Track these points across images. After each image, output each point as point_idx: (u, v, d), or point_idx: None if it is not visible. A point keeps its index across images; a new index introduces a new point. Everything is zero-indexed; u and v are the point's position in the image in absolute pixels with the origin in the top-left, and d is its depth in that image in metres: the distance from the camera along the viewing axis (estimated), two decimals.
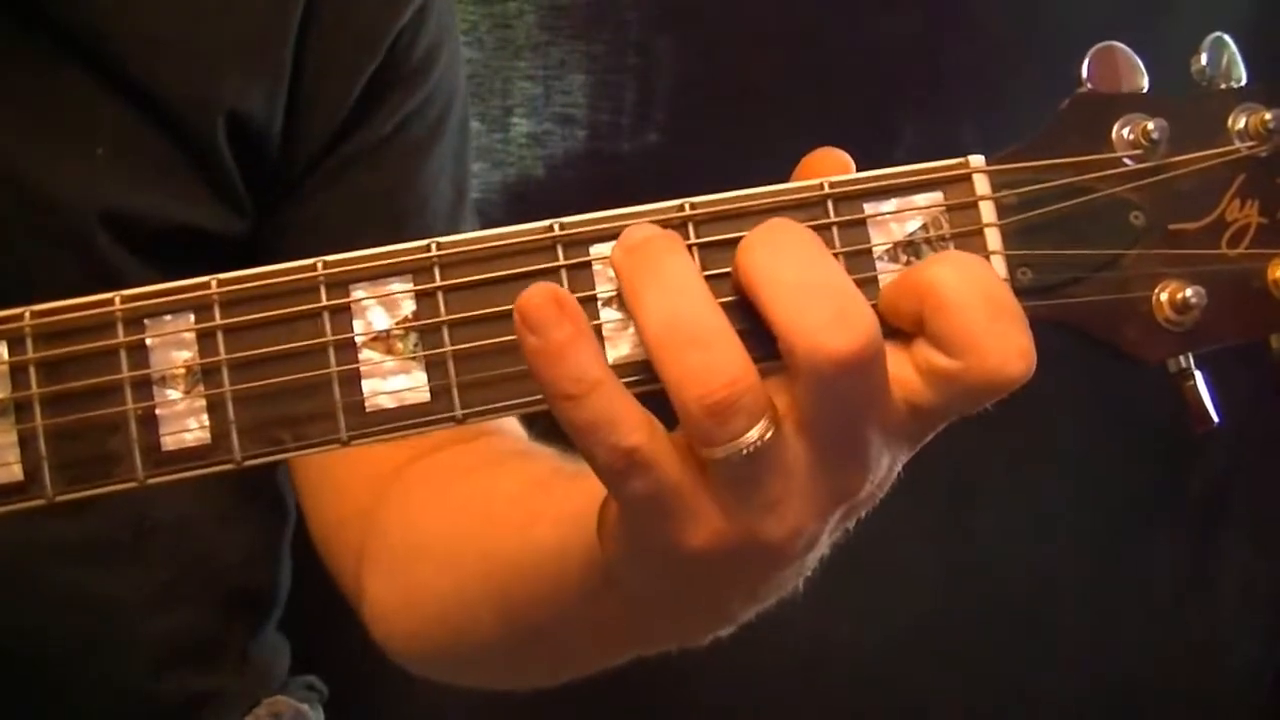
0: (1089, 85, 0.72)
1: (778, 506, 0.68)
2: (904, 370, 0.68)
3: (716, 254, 0.69)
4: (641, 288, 0.67)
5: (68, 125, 0.95)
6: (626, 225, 0.71)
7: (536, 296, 0.66)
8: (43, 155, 0.94)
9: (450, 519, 0.98)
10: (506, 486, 0.95)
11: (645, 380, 0.69)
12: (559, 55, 1.57)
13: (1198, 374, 0.72)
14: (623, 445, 0.66)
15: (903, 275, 0.69)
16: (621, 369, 0.69)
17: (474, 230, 1.08)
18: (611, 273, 0.70)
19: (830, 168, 0.73)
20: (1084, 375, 1.11)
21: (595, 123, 1.60)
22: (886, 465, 0.70)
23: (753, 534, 0.69)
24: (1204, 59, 0.73)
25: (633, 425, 0.66)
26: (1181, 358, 0.71)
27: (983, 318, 0.65)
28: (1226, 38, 0.73)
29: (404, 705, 1.56)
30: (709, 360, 0.65)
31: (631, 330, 0.69)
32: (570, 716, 1.38)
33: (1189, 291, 0.70)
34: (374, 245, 1.01)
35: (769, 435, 0.66)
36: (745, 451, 0.66)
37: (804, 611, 1.47)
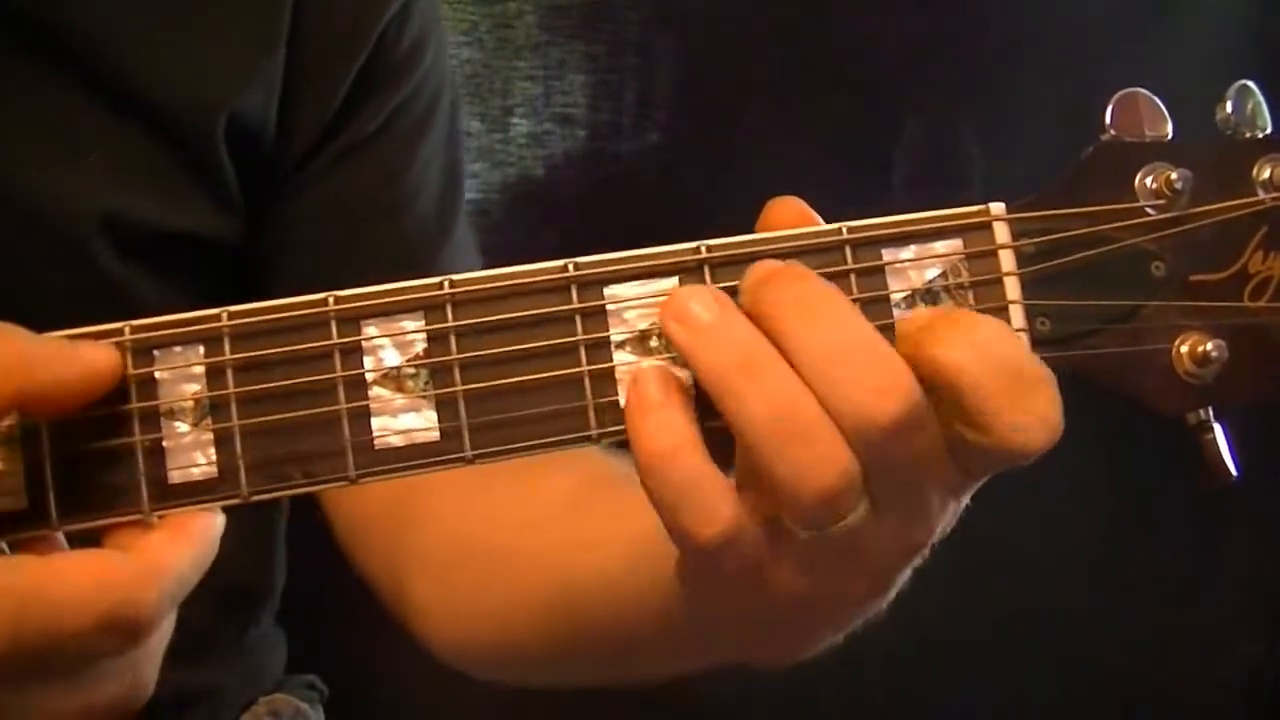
0: (1112, 132, 0.71)
1: (857, 568, 0.69)
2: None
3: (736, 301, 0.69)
4: (744, 380, 0.65)
5: (61, 132, 0.95)
6: (641, 265, 0.70)
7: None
8: (37, 163, 0.93)
9: (496, 519, 0.98)
10: (556, 485, 0.94)
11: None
12: (559, 55, 1.57)
13: (1217, 426, 0.71)
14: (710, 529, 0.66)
15: (918, 348, 0.67)
16: None
17: (464, 218, 1.10)
18: (630, 315, 0.69)
19: (789, 217, 0.71)
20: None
21: (595, 123, 1.59)
22: (952, 511, 0.71)
23: (836, 593, 0.70)
24: (1229, 106, 0.72)
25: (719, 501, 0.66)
26: (1201, 410, 0.71)
27: (1005, 402, 0.65)
28: (1251, 85, 0.72)
29: (404, 705, 1.55)
30: (822, 453, 0.65)
31: None
32: (571, 716, 1.38)
33: (1210, 345, 0.70)
34: (363, 239, 1.05)
35: (866, 511, 0.66)
36: (844, 530, 0.66)
37: None
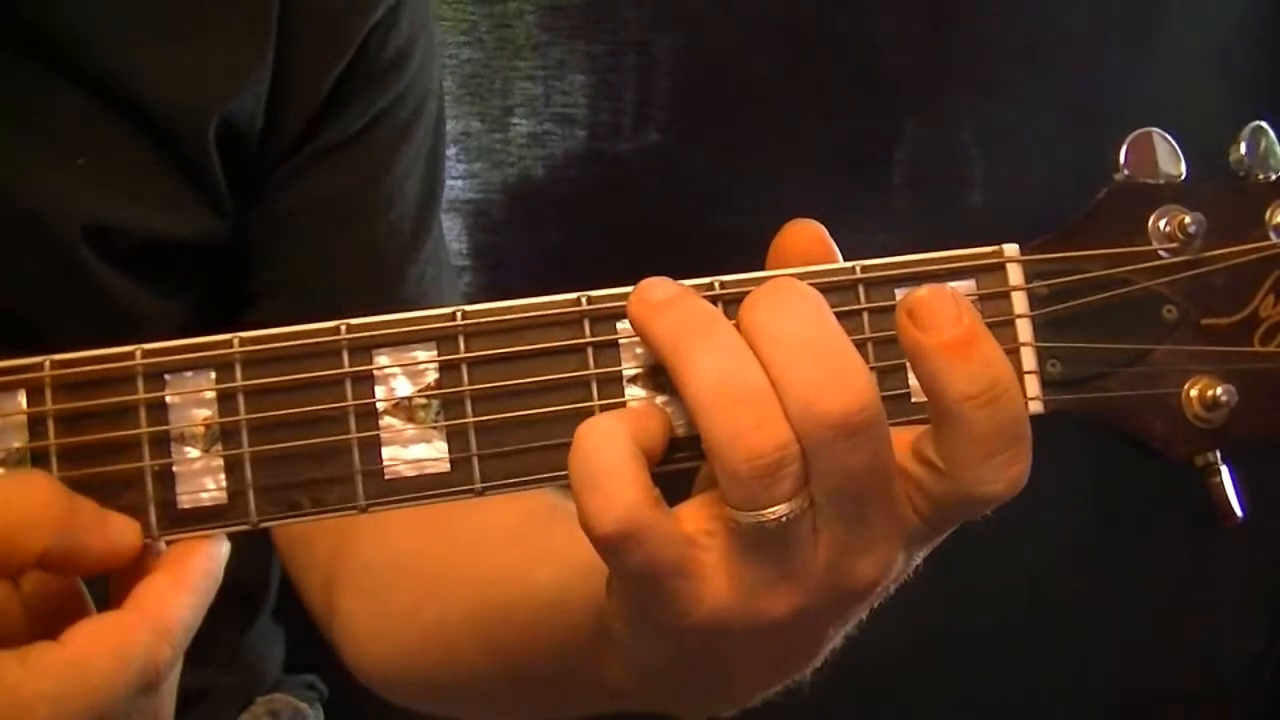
0: (1126, 172, 0.71)
1: (784, 583, 0.68)
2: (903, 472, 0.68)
3: None
4: (688, 344, 0.66)
5: (51, 137, 0.94)
6: None
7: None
8: (24, 167, 0.93)
9: (434, 543, 0.97)
10: (502, 511, 0.93)
11: (672, 459, 0.69)
12: (559, 55, 1.56)
13: (1224, 469, 0.71)
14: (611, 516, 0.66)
15: (924, 380, 0.67)
16: None
17: (439, 231, 1.10)
18: (641, 349, 0.69)
19: (805, 241, 0.71)
20: None
21: (595, 123, 1.59)
22: (901, 562, 0.69)
23: (756, 610, 0.68)
24: (1243, 148, 0.72)
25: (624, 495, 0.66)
26: (1209, 453, 0.71)
27: (989, 450, 0.65)
28: (1265, 126, 0.72)
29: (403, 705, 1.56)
30: (762, 420, 0.64)
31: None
32: None
33: (1219, 389, 0.70)
34: (334, 241, 1.04)
35: (803, 507, 0.66)
36: (780, 520, 0.65)
37: None
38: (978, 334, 0.65)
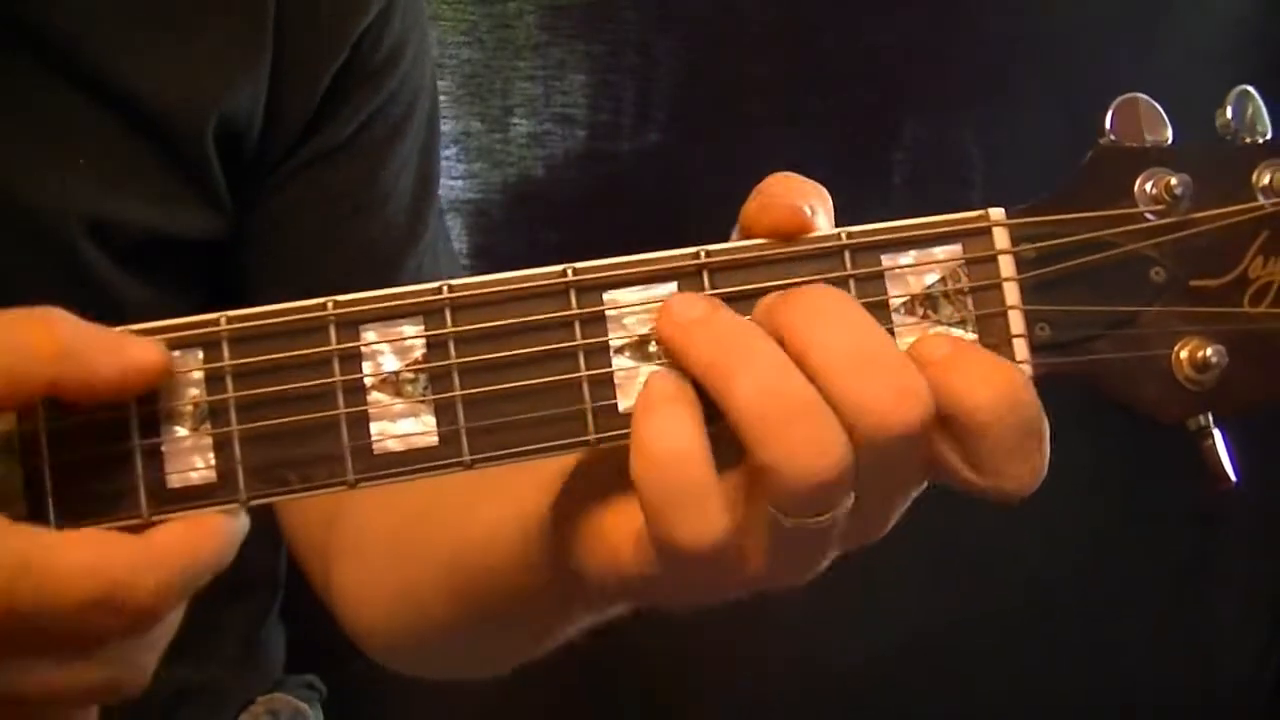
0: (1112, 136, 0.71)
1: (818, 554, 0.69)
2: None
3: (733, 307, 0.69)
4: (728, 364, 0.65)
5: (50, 136, 0.95)
6: (640, 271, 0.70)
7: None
8: (25, 166, 0.93)
9: (398, 507, 0.98)
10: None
11: None
12: (559, 55, 1.57)
13: (1216, 432, 0.71)
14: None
15: (938, 377, 0.67)
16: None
17: (438, 223, 1.10)
18: (628, 320, 0.69)
19: (782, 188, 0.71)
20: None
21: (595, 123, 1.59)
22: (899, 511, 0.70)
23: (778, 578, 0.69)
24: (1229, 112, 0.72)
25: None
26: (1200, 416, 0.71)
27: (1010, 450, 0.66)
28: (1252, 90, 0.72)
29: (403, 705, 1.56)
30: (820, 434, 0.64)
31: (643, 379, 0.69)
32: (571, 716, 1.38)
33: (1209, 350, 0.69)
34: (331, 241, 1.05)
35: (849, 506, 0.66)
36: (827, 523, 0.65)
37: (800, 616, 1.48)
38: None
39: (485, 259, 1.53)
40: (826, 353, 0.65)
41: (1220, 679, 1.92)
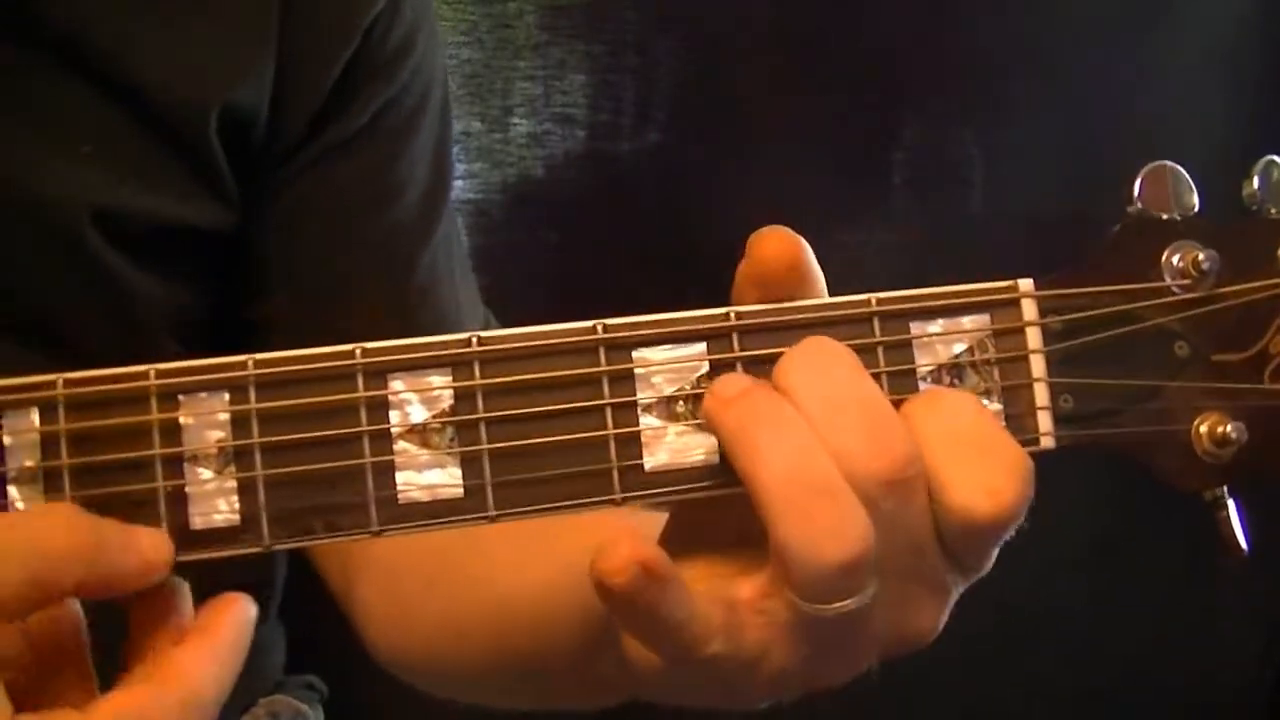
0: (1139, 205, 0.72)
1: (842, 654, 0.68)
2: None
3: (760, 369, 0.69)
4: (757, 438, 0.65)
5: (54, 125, 0.94)
6: (669, 330, 0.70)
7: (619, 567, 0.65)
8: (29, 155, 0.93)
9: (433, 538, 0.98)
10: None
11: (683, 488, 0.69)
12: (559, 55, 1.56)
13: (1231, 503, 0.72)
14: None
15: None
16: (661, 476, 0.69)
17: (451, 218, 1.10)
18: (656, 379, 0.70)
19: (776, 248, 0.70)
20: None
21: (595, 123, 1.59)
22: (944, 609, 0.70)
23: (816, 677, 0.69)
24: (1256, 182, 0.72)
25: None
26: (1217, 488, 0.72)
27: (962, 466, 0.66)
28: (1278, 160, 0.72)
29: (404, 705, 1.56)
30: (843, 515, 0.64)
31: (670, 439, 0.69)
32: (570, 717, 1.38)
33: (1229, 426, 0.70)
34: (345, 234, 1.05)
35: (873, 593, 0.65)
36: (857, 607, 0.65)
37: None
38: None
39: (485, 259, 1.53)
40: (812, 400, 0.65)
41: (1220, 679, 1.94)
